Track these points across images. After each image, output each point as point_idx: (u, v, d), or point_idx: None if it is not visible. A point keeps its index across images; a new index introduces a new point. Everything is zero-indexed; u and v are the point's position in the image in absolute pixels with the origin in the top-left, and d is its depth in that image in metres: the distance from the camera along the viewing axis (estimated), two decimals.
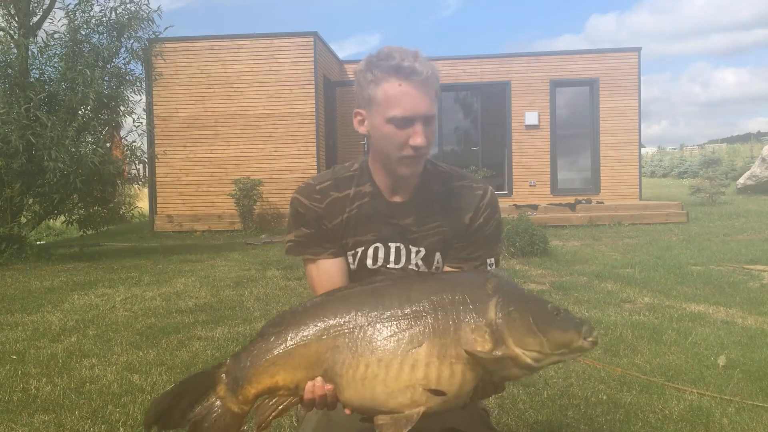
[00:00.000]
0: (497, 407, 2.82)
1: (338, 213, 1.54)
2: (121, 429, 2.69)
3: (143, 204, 12.65)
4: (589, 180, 13.59)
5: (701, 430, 2.57)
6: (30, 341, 4.13)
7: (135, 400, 2.99)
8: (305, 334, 1.26)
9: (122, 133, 9.95)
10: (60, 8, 8.68)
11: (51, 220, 10.63)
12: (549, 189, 13.45)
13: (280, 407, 1.29)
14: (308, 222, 1.54)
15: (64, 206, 8.83)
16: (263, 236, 10.43)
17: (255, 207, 11.30)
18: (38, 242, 10.08)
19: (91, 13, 8.68)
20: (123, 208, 9.97)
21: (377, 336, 1.23)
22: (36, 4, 8.77)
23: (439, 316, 1.23)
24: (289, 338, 1.27)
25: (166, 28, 9.31)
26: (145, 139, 9.82)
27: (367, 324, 1.25)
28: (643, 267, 6.49)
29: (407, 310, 1.25)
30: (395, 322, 1.24)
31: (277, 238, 9.91)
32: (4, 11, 8.59)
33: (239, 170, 11.52)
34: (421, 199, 1.54)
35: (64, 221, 9.49)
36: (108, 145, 9.08)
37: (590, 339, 1.24)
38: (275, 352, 1.27)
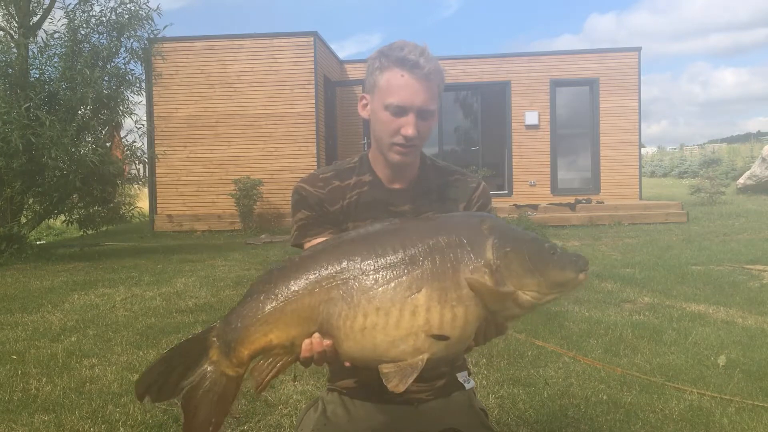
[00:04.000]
0: (497, 407, 2.82)
1: (339, 199, 1.57)
2: (121, 429, 2.69)
3: (143, 204, 12.66)
4: (589, 180, 13.59)
5: (701, 430, 2.57)
6: (30, 341, 4.13)
7: (135, 400, 2.98)
8: (296, 288, 1.22)
9: (122, 133, 9.96)
10: (60, 8, 8.70)
11: (51, 220, 10.63)
12: (549, 189, 13.45)
13: (276, 367, 1.24)
14: (310, 205, 1.57)
15: (64, 206, 8.83)
16: (263, 236, 10.43)
17: (255, 207, 11.30)
18: (38, 242, 10.08)
19: (91, 13, 8.70)
20: (123, 208, 9.98)
21: (373, 284, 1.19)
22: (36, 4, 8.78)
23: (437, 260, 1.20)
24: (279, 295, 1.22)
25: (165, 26, 9.29)
26: (145, 139, 9.82)
27: (361, 273, 1.20)
28: (643, 267, 6.49)
29: (402, 256, 1.20)
30: (391, 269, 1.19)
31: (277, 238, 9.92)
32: (4, 11, 8.60)
33: (239, 170, 11.52)
34: (418, 188, 1.59)
35: (64, 221, 9.50)
36: (108, 145, 9.08)
37: (586, 268, 1.25)
38: (266, 310, 1.22)
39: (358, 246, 1.24)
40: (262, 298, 1.23)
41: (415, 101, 1.45)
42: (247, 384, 3.20)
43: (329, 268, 1.22)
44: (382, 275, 1.19)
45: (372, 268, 1.20)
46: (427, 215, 1.49)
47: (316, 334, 1.21)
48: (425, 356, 1.18)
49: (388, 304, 1.17)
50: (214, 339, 1.24)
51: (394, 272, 1.19)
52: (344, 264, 1.21)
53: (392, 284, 1.18)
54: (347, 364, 1.27)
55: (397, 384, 1.17)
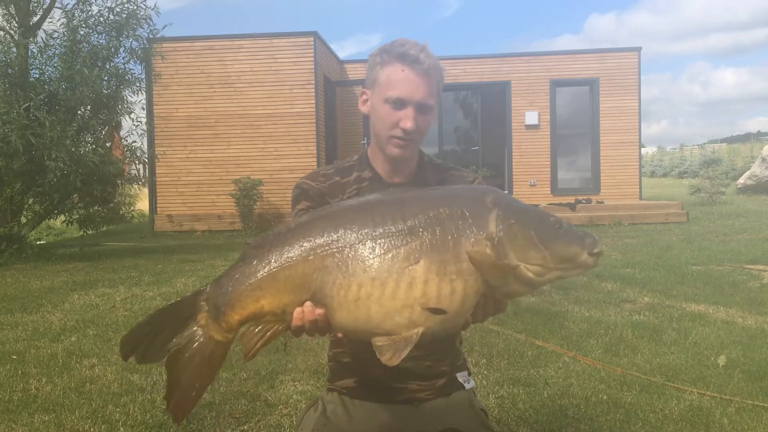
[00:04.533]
0: (497, 407, 2.82)
1: (339, 193, 1.59)
2: (121, 429, 2.69)
3: (143, 204, 12.65)
4: (589, 180, 13.59)
5: (701, 430, 2.57)
6: (30, 341, 4.12)
7: (135, 400, 2.99)
8: (290, 255, 1.18)
9: (122, 134, 9.96)
10: (60, 8, 8.70)
11: (51, 220, 10.63)
12: (549, 189, 13.45)
13: (266, 334, 1.20)
14: (311, 196, 1.58)
15: (64, 206, 8.83)
16: None
17: (255, 207, 11.30)
18: (38, 242, 10.07)
19: (90, 13, 8.69)
20: (123, 208, 9.98)
21: (370, 254, 1.15)
22: (36, 4, 8.78)
23: (437, 231, 1.16)
24: (272, 260, 1.19)
25: (164, 26, 9.29)
26: (145, 139, 9.82)
27: (357, 242, 1.16)
28: (643, 267, 6.49)
29: (401, 226, 1.16)
30: (389, 239, 1.15)
31: None
32: (4, 11, 8.59)
33: (239, 170, 11.52)
34: (417, 183, 1.59)
35: (64, 221, 9.50)
36: (108, 145, 9.08)
37: (596, 251, 1.20)
38: (259, 275, 1.18)
39: (356, 214, 1.21)
40: (254, 262, 1.20)
41: (415, 95, 1.46)
42: (248, 384, 3.19)
43: (325, 235, 1.18)
44: (380, 245, 1.16)
45: (369, 237, 1.16)
46: (430, 187, 1.46)
47: (308, 303, 1.18)
48: (420, 330, 1.14)
49: (385, 275, 1.13)
50: (204, 302, 1.21)
51: (392, 242, 1.16)
52: (340, 232, 1.18)
53: (389, 254, 1.15)
54: (339, 334, 1.24)
55: (390, 357, 1.14)
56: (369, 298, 1.14)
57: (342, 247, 1.17)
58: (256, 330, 1.21)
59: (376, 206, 1.22)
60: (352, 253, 1.16)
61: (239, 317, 1.19)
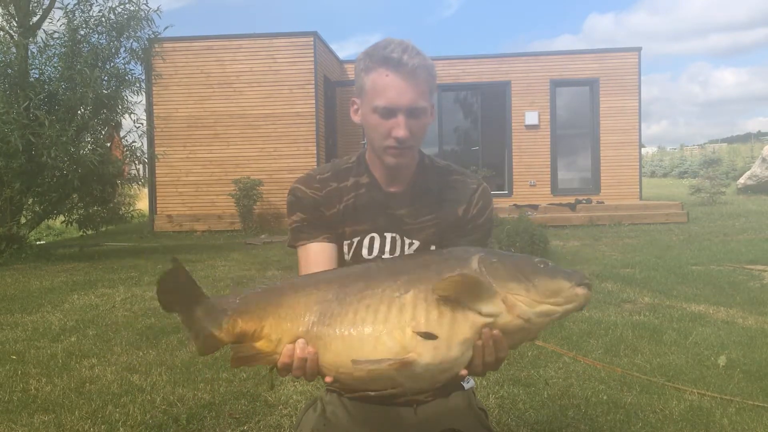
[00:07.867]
0: (497, 407, 2.82)
1: (336, 202, 1.55)
2: (121, 429, 2.69)
3: (143, 204, 12.65)
4: (589, 180, 13.59)
5: (701, 430, 2.57)
6: (30, 341, 4.12)
7: (135, 400, 2.99)
8: (296, 295, 1.29)
9: (122, 134, 9.96)
10: (60, 8, 8.70)
11: (51, 220, 10.63)
12: (549, 189, 13.45)
13: (256, 357, 1.28)
14: (305, 207, 1.54)
15: (64, 206, 8.83)
16: (263, 236, 10.42)
17: (255, 207, 11.30)
18: (38, 242, 10.08)
19: (90, 13, 8.70)
20: (123, 208, 9.97)
21: (363, 300, 1.24)
22: (36, 4, 8.78)
23: (424, 271, 1.25)
24: (282, 292, 1.31)
25: (166, 27, 9.30)
26: (145, 139, 9.82)
27: (355, 297, 1.26)
28: (643, 267, 6.49)
29: (396, 280, 1.25)
30: (386, 292, 1.24)
31: (277, 238, 9.91)
32: (4, 11, 8.59)
33: (239, 170, 11.52)
34: (416, 190, 1.55)
35: (64, 221, 9.49)
36: (108, 145, 9.08)
37: (585, 282, 1.21)
38: (266, 299, 1.31)
39: (355, 279, 1.29)
40: (264, 289, 1.35)
41: (402, 101, 1.39)
42: (247, 384, 3.19)
43: (327, 292, 1.28)
44: (376, 297, 1.24)
45: (365, 293, 1.25)
46: (426, 251, 1.52)
47: (301, 340, 1.23)
48: (412, 356, 1.17)
49: (374, 321, 1.21)
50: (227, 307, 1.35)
51: (389, 293, 1.24)
52: (341, 290, 1.28)
53: (383, 302, 1.23)
54: (328, 380, 1.25)
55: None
56: (363, 322, 1.21)
57: (340, 314, 1.25)
58: (249, 347, 1.28)
59: (375, 272, 1.30)
60: (349, 301, 1.25)
61: (239, 330, 1.28)
